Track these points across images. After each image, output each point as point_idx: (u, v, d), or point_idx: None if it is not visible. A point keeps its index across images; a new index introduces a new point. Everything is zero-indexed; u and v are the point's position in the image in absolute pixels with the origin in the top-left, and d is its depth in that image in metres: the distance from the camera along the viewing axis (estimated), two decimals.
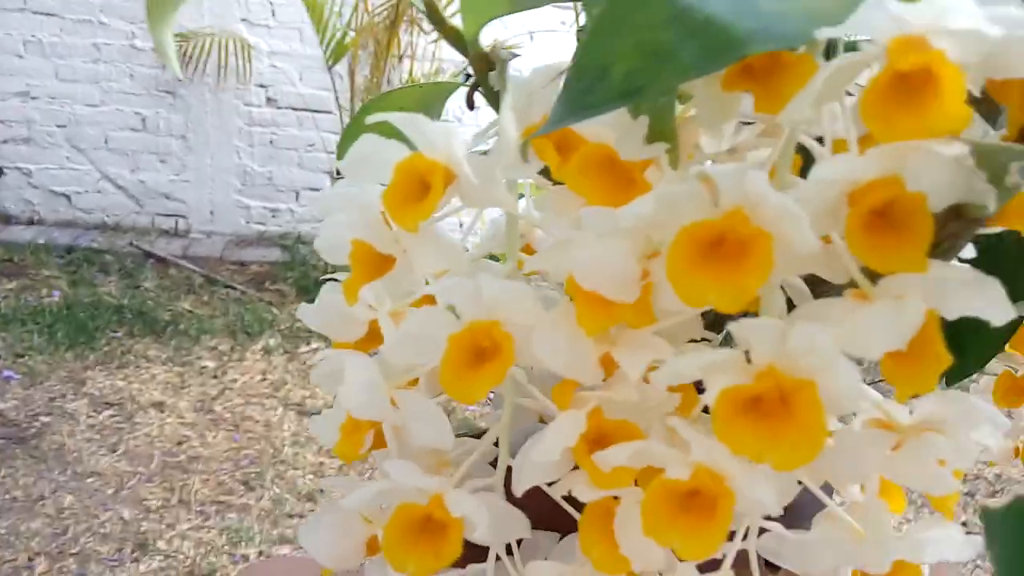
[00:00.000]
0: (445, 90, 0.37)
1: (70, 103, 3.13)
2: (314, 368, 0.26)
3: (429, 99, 0.37)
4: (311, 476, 1.92)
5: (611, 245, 0.19)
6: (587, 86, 0.20)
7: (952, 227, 0.20)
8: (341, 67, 2.99)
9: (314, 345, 2.51)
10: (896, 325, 0.17)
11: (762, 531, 0.21)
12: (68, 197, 3.18)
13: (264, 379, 2.35)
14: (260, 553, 1.63)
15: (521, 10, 0.29)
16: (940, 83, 0.17)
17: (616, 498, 0.20)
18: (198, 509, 1.73)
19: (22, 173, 3.14)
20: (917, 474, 0.20)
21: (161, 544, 1.61)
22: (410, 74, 2.98)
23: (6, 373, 2.11)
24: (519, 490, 0.21)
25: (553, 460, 0.21)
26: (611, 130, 0.22)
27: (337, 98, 3.02)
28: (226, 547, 1.63)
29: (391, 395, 0.23)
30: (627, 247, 0.19)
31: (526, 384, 0.23)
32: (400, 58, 2.97)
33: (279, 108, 3.21)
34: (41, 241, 2.99)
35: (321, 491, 1.86)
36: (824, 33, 0.17)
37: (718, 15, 0.18)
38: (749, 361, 0.18)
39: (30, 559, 1.50)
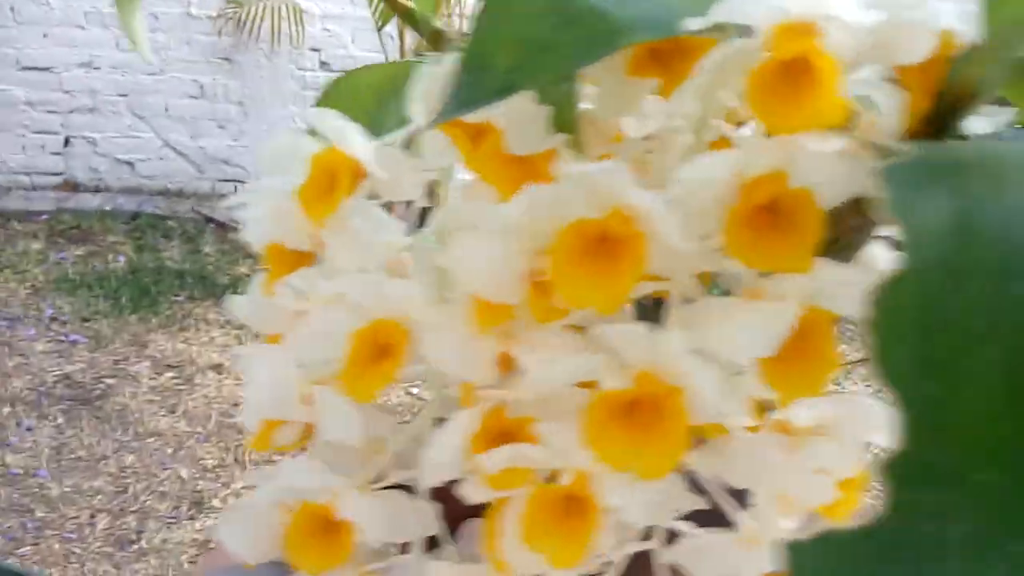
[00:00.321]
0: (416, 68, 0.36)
1: (131, 72, 3.20)
2: (236, 362, 0.26)
3: (400, 77, 0.36)
4: None
5: (490, 244, 0.19)
6: (473, 78, 0.19)
7: (853, 222, 0.18)
8: (391, 28, 2.99)
9: None
10: (764, 330, 0.16)
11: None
12: (132, 164, 3.27)
13: None
14: None
15: None
16: (816, 73, 0.16)
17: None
18: (252, 468, 1.79)
19: (88, 142, 3.24)
20: (798, 482, 0.19)
21: (216, 502, 1.67)
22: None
23: (73, 337, 2.20)
24: (422, 487, 0.21)
25: (448, 459, 0.20)
26: (511, 120, 0.21)
27: (387, 59, 3.02)
28: None
29: (307, 391, 0.23)
30: (510, 246, 0.19)
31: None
32: (449, 16, 2.95)
33: (332, 71, 3.23)
34: (107, 208, 3.09)
35: None
36: (695, 23, 0.16)
37: (597, 4, 0.17)
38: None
39: (92, 516, 1.57)
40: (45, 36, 3.13)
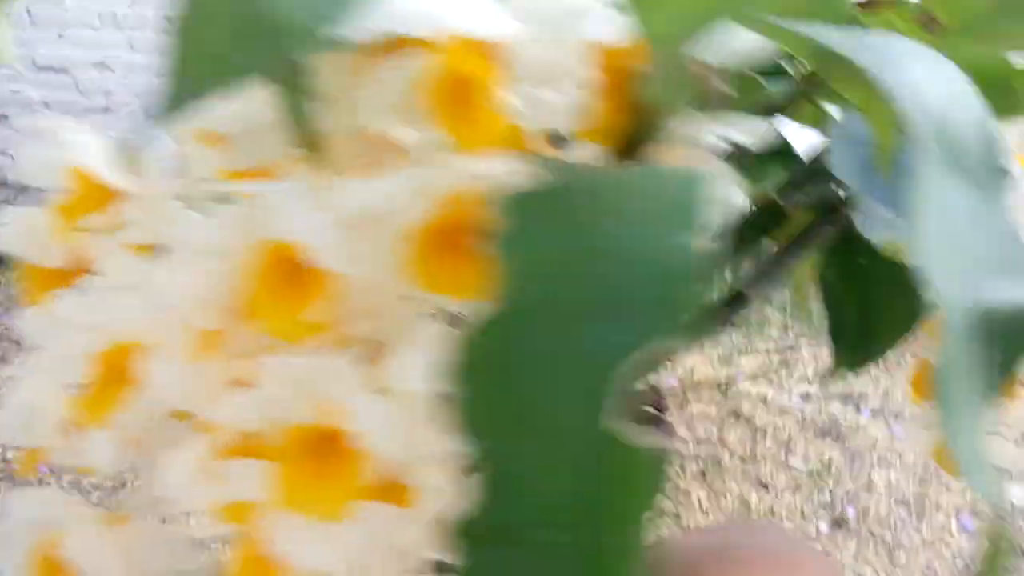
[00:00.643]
0: None
1: (144, 73, 3.23)
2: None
3: None
4: None
5: (190, 267, 0.18)
6: (170, 91, 0.18)
7: None
8: None
9: None
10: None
11: None
12: None
13: None
14: None
15: None
16: (483, 90, 0.15)
17: None
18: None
19: None
20: None
21: None
22: None
23: None
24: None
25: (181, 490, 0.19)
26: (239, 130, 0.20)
27: None
28: None
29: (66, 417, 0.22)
30: (209, 269, 0.18)
31: None
32: None
33: None
34: None
35: None
36: (350, 30, 0.15)
37: (270, 13, 0.16)
38: None
39: None
40: (60, 37, 3.17)
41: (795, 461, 1.87)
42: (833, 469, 1.82)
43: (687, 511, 1.71)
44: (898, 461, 1.86)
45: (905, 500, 1.73)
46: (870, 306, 0.40)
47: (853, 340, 0.40)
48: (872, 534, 1.64)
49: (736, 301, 0.31)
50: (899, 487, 1.77)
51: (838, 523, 1.67)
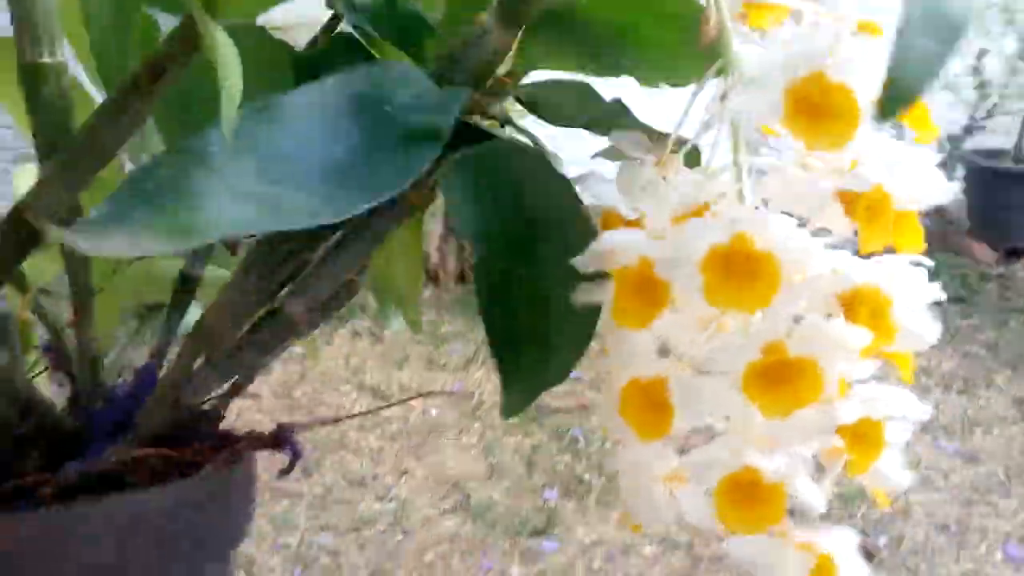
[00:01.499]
0: None
1: None
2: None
3: None
4: (368, 462, 1.92)
5: None
6: None
7: None
8: None
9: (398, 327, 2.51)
10: None
11: None
12: None
13: (347, 363, 2.38)
14: (301, 542, 1.65)
15: None
16: None
17: None
18: None
19: None
20: None
21: None
22: None
23: None
24: None
25: None
26: None
27: None
28: (271, 534, 1.66)
29: None
30: None
31: None
32: None
33: None
34: None
35: (375, 476, 1.86)
36: None
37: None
38: None
39: None
40: None
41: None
42: (868, 492, 1.66)
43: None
44: (943, 481, 1.69)
45: (945, 526, 1.56)
46: (550, 313, 0.32)
47: (531, 359, 0.32)
48: (905, 566, 1.48)
49: None
50: (940, 511, 1.60)
51: (868, 554, 1.52)
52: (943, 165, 0.29)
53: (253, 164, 0.20)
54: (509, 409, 0.33)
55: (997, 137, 2.98)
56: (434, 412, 2.16)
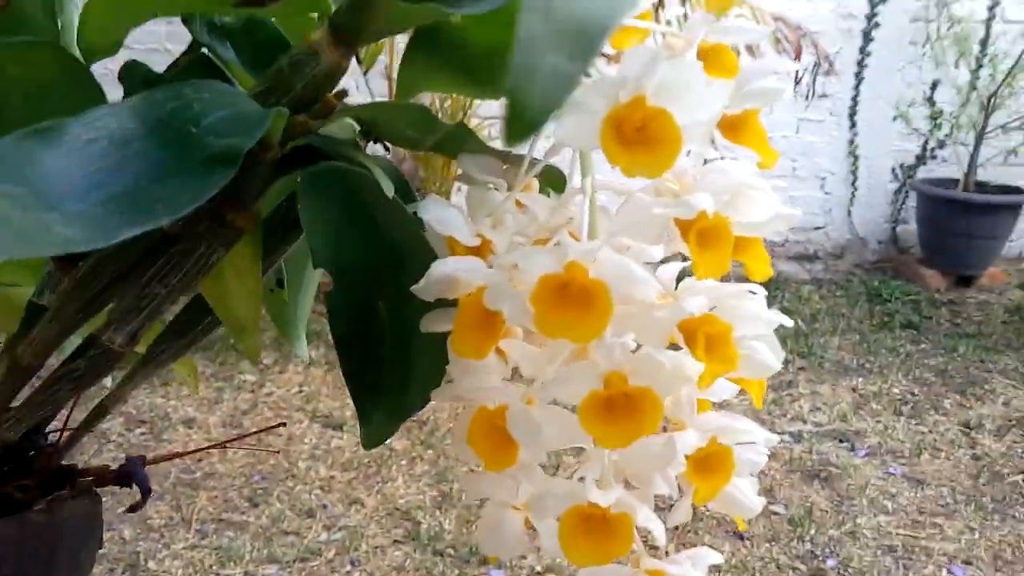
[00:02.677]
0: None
1: None
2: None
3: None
4: (318, 491, 1.89)
5: None
6: None
7: None
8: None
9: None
10: None
11: None
12: None
13: (300, 391, 2.35)
14: (245, 574, 1.61)
15: None
16: None
17: None
18: (197, 528, 1.73)
19: None
20: None
21: (152, 564, 1.62)
22: None
23: None
24: None
25: None
26: None
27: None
28: (214, 567, 1.62)
29: None
30: None
31: None
32: None
33: None
34: None
35: (324, 506, 1.82)
36: None
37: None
38: None
39: None
40: None
41: (776, 506, 1.72)
42: (816, 514, 1.67)
43: None
44: (891, 504, 1.70)
45: (892, 548, 1.57)
46: (411, 341, 0.31)
47: (392, 388, 0.31)
48: None
49: None
50: (887, 534, 1.61)
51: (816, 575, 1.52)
52: (896, 194, 0.28)
53: (21, 189, 0.19)
54: (370, 440, 0.32)
55: (949, 167, 3.04)
56: (387, 440, 2.14)
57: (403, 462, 2.01)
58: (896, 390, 2.25)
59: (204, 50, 0.33)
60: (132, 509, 0.31)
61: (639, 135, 0.23)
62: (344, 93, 0.26)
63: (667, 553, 0.28)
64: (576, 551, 0.26)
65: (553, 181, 0.33)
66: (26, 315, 0.32)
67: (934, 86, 3.06)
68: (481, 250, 0.28)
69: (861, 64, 3.03)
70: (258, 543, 1.67)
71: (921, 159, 3.14)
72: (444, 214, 0.26)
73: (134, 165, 0.21)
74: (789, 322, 0.27)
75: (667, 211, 0.24)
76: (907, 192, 3.15)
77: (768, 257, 0.28)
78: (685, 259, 0.28)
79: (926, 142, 3.12)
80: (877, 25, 3.01)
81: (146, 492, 0.31)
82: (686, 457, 0.26)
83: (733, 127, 0.26)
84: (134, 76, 0.30)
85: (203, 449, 0.53)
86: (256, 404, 2.22)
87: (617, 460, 0.28)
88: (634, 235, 0.26)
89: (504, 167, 0.30)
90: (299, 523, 1.74)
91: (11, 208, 0.18)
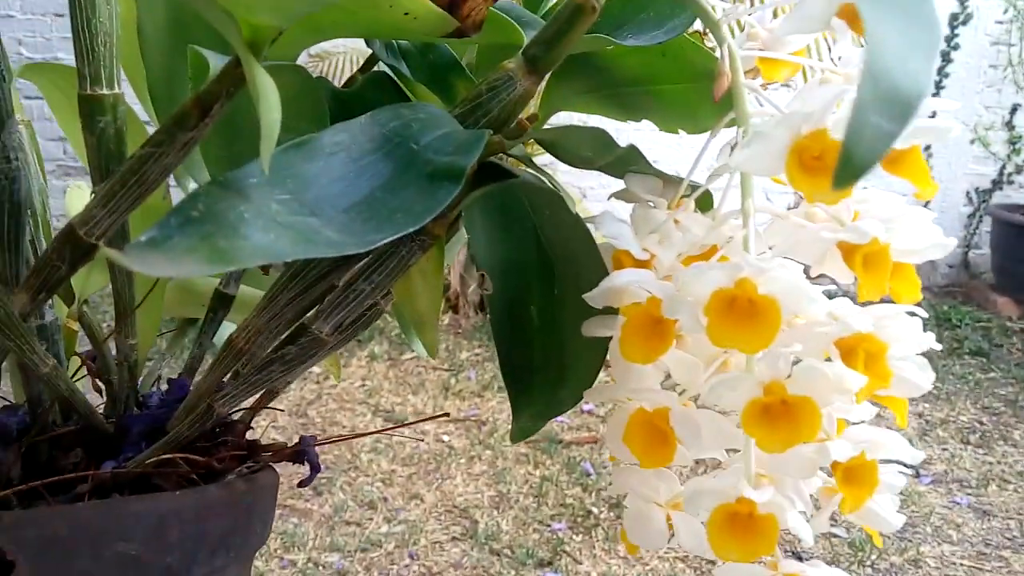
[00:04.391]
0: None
1: None
2: None
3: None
4: (379, 484, 1.93)
5: None
6: None
7: None
8: None
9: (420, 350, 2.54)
10: None
11: None
12: None
13: (363, 385, 2.40)
14: (308, 560, 1.66)
15: None
16: None
17: None
18: None
19: None
20: None
21: None
22: None
23: None
24: None
25: None
26: None
27: None
28: (279, 551, 1.67)
29: None
30: None
31: None
32: None
33: None
34: None
35: (385, 499, 1.86)
36: None
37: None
38: None
39: None
40: None
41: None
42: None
43: None
44: (955, 534, 1.67)
45: None
46: (564, 343, 0.33)
47: (544, 386, 0.34)
48: None
49: None
50: (951, 564, 1.58)
51: None
52: (970, 218, 0.30)
53: (288, 196, 0.21)
54: (517, 434, 0.34)
55: None
56: (446, 438, 2.17)
57: (462, 460, 2.05)
58: (964, 418, 2.21)
59: (381, 67, 0.36)
60: (301, 484, 0.34)
61: (817, 163, 0.25)
62: (534, 117, 0.28)
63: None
64: (723, 546, 0.28)
65: (700, 203, 0.35)
66: (213, 302, 0.35)
67: (1013, 110, 3.00)
68: (646, 263, 0.30)
69: (939, 86, 2.98)
70: (321, 531, 1.71)
71: (997, 184, 3.08)
72: (619, 230, 0.29)
73: (368, 177, 0.23)
74: (938, 345, 0.29)
75: (837, 235, 0.26)
76: (981, 217, 3.09)
77: (918, 282, 0.29)
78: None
79: (1003, 167, 3.06)
80: (957, 47, 2.96)
81: (315, 469, 0.33)
82: (835, 467, 0.28)
83: (895, 161, 0.28)
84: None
85: (364, 434, 0.57)
86: (320, 395, 2.28)
87: (763, 465, 0.29)
88: (797, 256, 0.28)
89: (663, 187, 0.32)
90: (360, 514, 1.78)
91: (287, 214, 0.20)
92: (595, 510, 1.82)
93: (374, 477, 1.93)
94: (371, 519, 1.79)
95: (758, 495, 0.27)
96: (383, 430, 0.37)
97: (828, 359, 0.28)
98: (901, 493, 0.31)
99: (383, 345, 2.58)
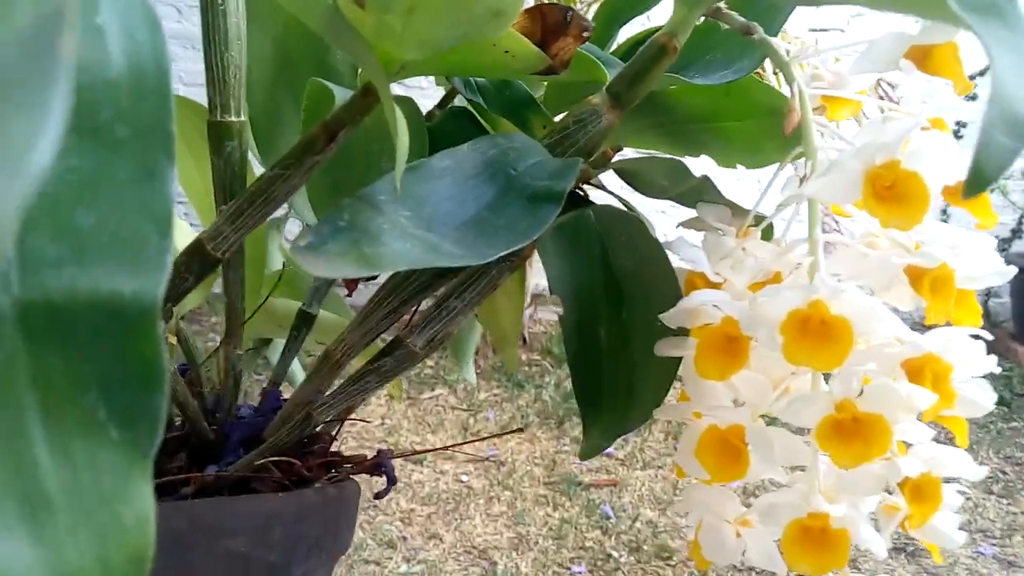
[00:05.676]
0: None
1: None
2: None
3: None
4: (399, 523, 1.92)
5: None
6: None
7: None
8: None
9: (437, 391, 2.54)
10: None
11: None
12: None
13: (382, 423, 2.40)
14: None
15: None
16: None
17: None
18: None
19: None
20: None
21: None
22: None
23: None
24: None
25: None
26: None
27: None
28: None
29: None
30: None
31: None
32: None
33: None
34: None
35: (404, 538, 1.86)
36: None
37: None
38: None
39: None
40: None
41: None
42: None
43: None
44: None
45: None
46: (632, 363, 0.35)
47: (613, 404, 0.35)
48: None
49: None
50: None
51: None
52: None
53: (410, 212, 0.23)
54: (588, 451, 0.36)
55: None
56: (465, 478, 2.16)
57: (480, 501, 2.04)
58: (987, 468, 2.18)
59: (459, 103, 0.38)
60: (378, 496, 0.35)
61: (889, 192, 0.27)
62: (619, 148, 0.30)
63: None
64: (796, 559, 0.29)
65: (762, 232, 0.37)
66: (297, 320, 0.37)
67: None
68: (718, 286, 0.32)
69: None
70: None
71: (1017, 232, 3.09)
72: (696, 255, 0.30)
73: (474, 198, 0.25)
74: (998, 368, 0.30)
75: (906, 260, 0.28)
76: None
77: (979, 308, 0.31)
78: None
79: (1022, 216, 3.07)
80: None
81: (392, 482, 0.35)
82: (904, 483, 0.29)
83: (957, 192, 0.29)
84: None
85: (428, 451, 0.59)
86: (340, 433, 2.28)
87: (829, 482, 0.31)
88: (863, 282, 0.30)
89: (732, 216, 0.34)
90: (380, 553, 1.78)
91: (411, 227, 0.22)
92: (615, 554, 1.81)
93: (393, 516, 1.93)
94: (390, 558, 1.78)
95: (834, 509, 0.28)
96: (449, 446, 0.39)
97: (896, 379, 0.29)
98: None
99: (403, 384, 2.59)
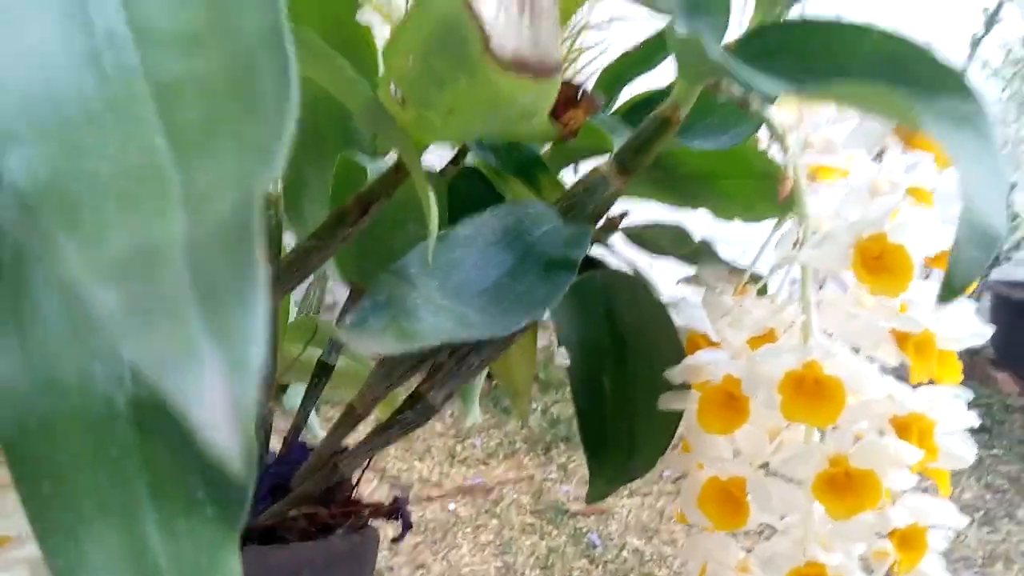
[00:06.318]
0: None
1: None
2: None
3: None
4: (385, 552, 1.92)
5: None
6: None
7: None
8: None
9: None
10: None
11: None
12: None
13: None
14: None
15: None
16: None
17: None
18: None
19: None
20: None
21: None
22: None
23: None
24: None
25: None
26: None
27: None
28: None
29: None
30: None
31: None
32: None
33: None
34: None
35: (391, 568, 1.86)
36: None
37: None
38: None
39: None
40: None
41: None
42: None
43: None
44: None
45: None
46: (635, 414, 0.37)
47: (617, 454, 0.37)
48: None
49: None
50: None
51: None
52: (970, 294, 0.34)
53: (438, 283, 0.25)
54: (594, 496, 0.37)
55: None
56: (452, 506, 2.17)
57: (468, 530, 2.04)
58: (967, 495, 2.21)
59: (470, 161, 0.40)
60: (396, 540, 0.37)
61: (877, 263, 0.29)
62: (625, 214, 0.33)
63: None
64: None
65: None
66: (316, 370, 0.39)
67: (1012, 188, 3.08)
68: (718, 345, 0.34)
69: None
70: None
71: (996, 260, 3.15)
72: (697, 314, 0.32)
73: (494, 265, 0.27)
74: (977, 422, 0.33)
75: (892, 324, 0.30)
76: (981, 293, 3.14)
77: (960, 366, 0.33)
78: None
79: (1001, 245, 3.12)
80: None
81: (407, 527, 0.36)
82: (892, 533, 0.31)
83: (941, 259, 0.32)
84: None
85: (441, 497, 0.59)
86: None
87: (822, 531, 0.33)
88: (852, 340, 0.32)
89: (728, 275, 0.36)
90: None
91: (440, 298, 0.24)
92: None
93: (380, 546, 1.93)
94: None
95: (830, 559, 0.30)
96: (467, 490, 0.40)
97: (884, 435, 0.32)
98: None
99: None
